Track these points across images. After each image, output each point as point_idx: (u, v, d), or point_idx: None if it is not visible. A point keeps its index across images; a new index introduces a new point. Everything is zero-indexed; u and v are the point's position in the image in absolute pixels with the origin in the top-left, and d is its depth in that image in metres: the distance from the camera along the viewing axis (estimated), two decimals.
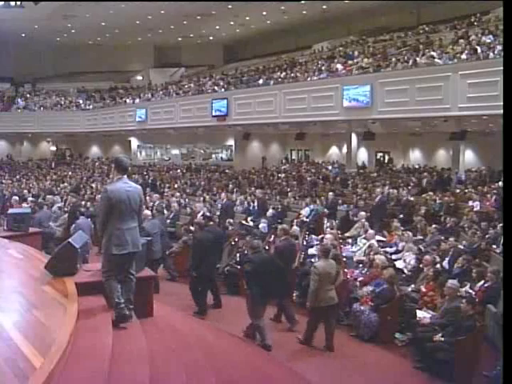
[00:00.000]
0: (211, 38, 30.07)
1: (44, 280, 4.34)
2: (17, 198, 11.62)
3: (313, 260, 8.69)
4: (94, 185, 19.80)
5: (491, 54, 12.35)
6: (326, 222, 10.88)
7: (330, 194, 13.94)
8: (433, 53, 14.31)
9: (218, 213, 13.11)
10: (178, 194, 16.01)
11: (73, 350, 2.93)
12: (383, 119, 14.94)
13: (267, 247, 9.43)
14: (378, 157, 24.94)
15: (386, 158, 25.20)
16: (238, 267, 8.36)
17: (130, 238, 3.98)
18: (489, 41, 13.30)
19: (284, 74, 19.19)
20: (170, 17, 25.28)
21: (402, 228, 10.11)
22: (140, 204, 4.11)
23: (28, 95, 29.88)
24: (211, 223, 9.05)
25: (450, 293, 5.80)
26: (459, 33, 15.65)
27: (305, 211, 12.99)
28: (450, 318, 5.49)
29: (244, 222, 12.34)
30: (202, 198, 15.16)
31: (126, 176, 4.12)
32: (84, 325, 3.40)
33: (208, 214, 11.91)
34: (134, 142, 28.59)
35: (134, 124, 24.28)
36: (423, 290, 6.79)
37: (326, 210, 12.52)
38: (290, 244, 7.55)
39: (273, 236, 10.46)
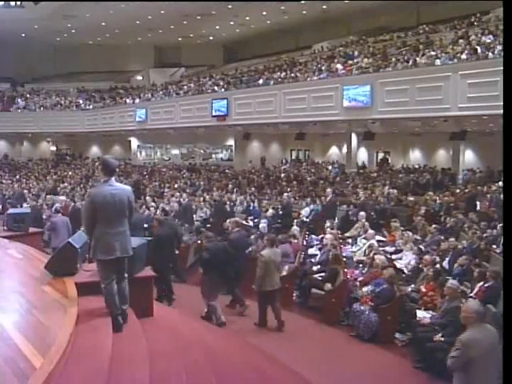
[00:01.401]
0: (211, 38, 30.07)
1: (44, 280, 4.34)
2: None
3: (313, 260, 8.72)
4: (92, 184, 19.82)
5: (491, 54, 12.35)
6: (327, 223, 10.87)
7: (329, 190, 14.11)
8: (433, 52, 14.32)
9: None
10: (177, 193, 16.02)
11: (73, 350, 2.93)
12: (383, 119, 14.95)
13: None
14: (380, 158, 24.93)
15: (385, 156, 25.19)
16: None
17: (119, 243, 3.81)
18: (489, 41, 13.30)
19: (284, 74, 19.18)
20: (169, 17, 25.28)
21: (402, 228, 10.12)
22: (130, 206, 3.93)
23: (28, 95, 29.87)
24: (168, 218, 9.51)
25: (450, 293, 5.80)
26: (459, 33, 15.64)
27: (305, 211, 13.01)
28: (449, 318, 5.48)
29: (244, 222, 12.33)
30: (201, 198, 15.17)
31: (113, 178, 3.93)
32: (84, 325, 3.40)
33: (167, 208, 12.13)
34: (134, 142, 28.59)
35: (133, 124, 24.29)
36: (423, 290, 6.79)
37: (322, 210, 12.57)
38: (242, 235, 8.01)
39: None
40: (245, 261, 7.52)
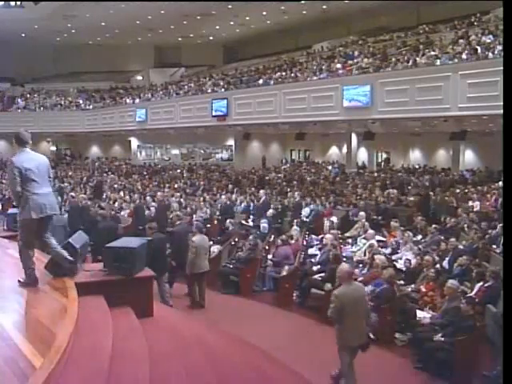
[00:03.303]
0: (211, 37, 30.07)
1: (44, 280, 4.34)
2: None
3: (313, 260, 8.72)
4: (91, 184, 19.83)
5: (491, 54, 12.35)
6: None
7: (261, 191, 14.42)
8: (433, 52, 14.32)
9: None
10: (177, 194, 16.02)
11: (73, 350, 2.93)
12: (383, 119, 14.95)
13: (267, 247, 9.47)
14: (381, 159, 24.96)
15: (384, 156, 25.22)
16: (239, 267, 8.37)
17: (48, 202, 4.16)
18: (489, 41, 13.30)
19: (284, 74, 19.18)
20: (170, 17, 25.29)
21: (402, 228, 10.12)
22: (49, 170, 4.36)
23: (28, 95, 29.88)
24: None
25: (450, 293, 5.81)
26: (459, 33, 15.64)
27: (305, 211, 13.00)
28: (450, 318, 5.49)
29: (244, 221, 12.34)
30: (201, 198, 15.18)
31: (27, 148, 4.37)
32: (84, 325, 3.40)
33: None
34: (134, 142, 28.60)
35: (134, 124, 24.29)
36: (423, 289, 6.79)
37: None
38: (184, 227, 8.58)
39: (273, 236, 10.49)
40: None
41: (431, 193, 13.72)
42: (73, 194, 15.08)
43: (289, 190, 16.47)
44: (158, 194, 15.27)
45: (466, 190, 14.41)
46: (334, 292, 4.73)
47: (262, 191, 14.95)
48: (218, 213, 13.12)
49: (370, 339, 4.86)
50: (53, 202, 4.25)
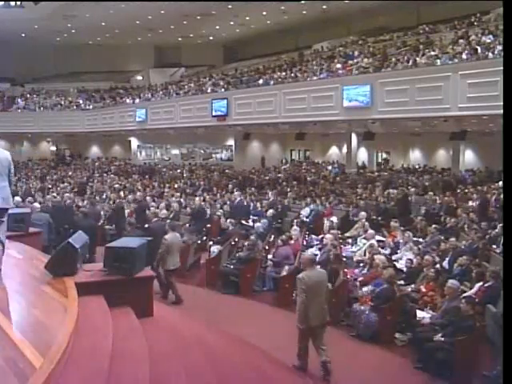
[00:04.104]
0: (211, 38, 30.08)
1: (44, 280, 4.33)
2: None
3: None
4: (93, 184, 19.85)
5: (491, 54, 12.35)
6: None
7: (236, 193, 14.45)
8: (433, 52, 14.32)
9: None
10: (177, 194, 16.03)
11: (73, 350, 2.92)
12: (383, 119, 14.95)
13: (267, 247, 9.47)
14: (381, 159, 24.95)
15: (385, 156, 25.22)
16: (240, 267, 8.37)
17: (1, 196, 4.26)
18: (489, 41, 13.30)
19: (284, 74, 19.18)
20: (170, 17, 25.29)
21: (402, 228, 10.12)
22: (9, 167, 4.49)
23: (28, 95, 29.88)
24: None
25: (450, 293, 5.81)
26: (459, 33, 15.64)
27: (305, 211, 13.01)
28: (450, 318, 5.49)
29: (244, 221, 12.34)
30: (201, 198, 15.18)
31: None
32: (84, 325, 3.40)
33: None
34: (134, 142, 28.60)
35: (134, 124, 24.29)
36: (423, 290, 6.79)
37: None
38: (160, 224, 8.89)
39: (273, 236, 10.49)
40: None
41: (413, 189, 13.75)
42: (54, 194, 15.33)
43: (289, 189, 16.48)
44: (138, 194, 15.30)
45: (466, 190, 14.42)
46: (298, 276, 5.25)
47: (236, 192, 14.82)
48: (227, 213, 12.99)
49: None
50: (7, 196, 4.36)
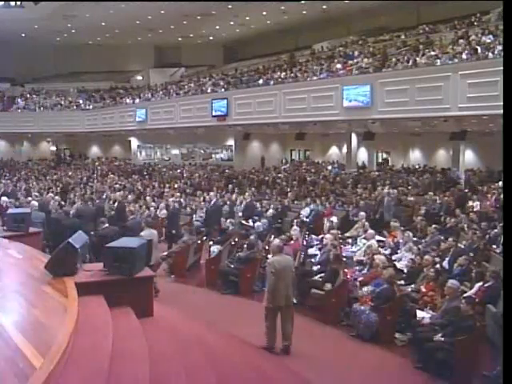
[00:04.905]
0: (211, 38, 30.07)
1: (44, 280, 4.34)
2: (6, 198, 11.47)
3: (313, 260, 8.72)
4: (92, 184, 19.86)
5: (491, 54, 12.35)
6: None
7: (211, 193, 14.42)
8: (433, 52, 14.32)
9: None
10: (177, 194, 16.03)
11: (73, 350, 2.93)
12: (383, 119, 14.94)
13: (267, 247, 9.46)
14: (381, 159, 24.92)
15: (385, 156, 25.20)
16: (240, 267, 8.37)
17: None
18: (489, 41, 13.29)
19: (284, 74, 19.18)
20: (170, 17, 25.28)
21: (402, 228, 10.12)
22: None
23: (28, 95, 29.88)
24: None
25: (450, 293, 5.80)
26: (459, 33, 15.63)
27: (305, 211, 13.01)
28: (450, 318, 5.48)
29: (244, 221, 12.34)
30: (201, 198, 15.18)
31: None
32: (84, 325, 3.40)
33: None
34: (134, 142, 28.59)
35: (134, 124, 24.29)
36: (423, 289, 6.79)
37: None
38: (136, 222, 9.15)
39: (273, 236, 10.48)
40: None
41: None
42: (36, 193, 15.46)
43: (289, 189, 16.48)
44: (117, 193, 15.29)
45: (466, 190, 14.40)
46: (267, 261, 6.07)
47: (211, 193, 14.76)
48: (240, 214, 12.96)
49: (293, 303, 6.04)
50: None
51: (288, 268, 5.81)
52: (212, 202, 13.63)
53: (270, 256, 6.51)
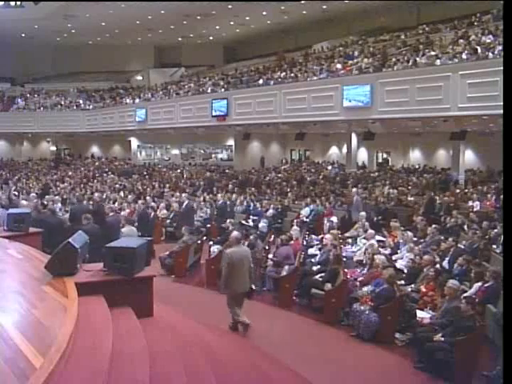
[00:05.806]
0: (211, 37, 30.09)
1: (44, 280, 4.33)
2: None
3: (313, 260, 8.72)
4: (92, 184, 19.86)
5: (491, 54, 12.35)
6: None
7: (177, 193, 14.38)
8: (433, 52, 14.31)
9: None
10: (177, 193, 16.02)
11: (73, 350, 2.92)
12: (383, 119, 14.94)
13: (267, 247, 9.47)
14: (381, 159, 24.94)
15: (385, 156, 25.21)
16: None
17: None
18: (489, 41, 13.29)
19: (284, 74, 19.18)
20: (169, 17, 25.30)
21: (402, 228, 10.12)
22: None
23: (28, 95, 29.88)
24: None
25: (450, 293, 5.80)
26: (459, 33, 15.64)
27: (305, 211, 13.01)
28: (450, 318, 5.49)
29: (244, 221, 12.35)
30: (202, 198, 15.17)
31: None
32: (84, 325, 3.40)
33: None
34: (134, 142, 28.60)
35: (133, 124, 24.29)
36: (423, 289, 6.79)
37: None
38: (116, 219, 9.10)
39: (273, 236, 10.49)
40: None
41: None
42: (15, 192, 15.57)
43: (289, 189, 16.47)
44: (95, 194, 14.99)
45: (466, 190, 14.42)
46: (225, 251, 6.52)
47: (184, 195, 14.45)
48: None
49: (252, 290, 6.49)
50: None
51: (245, 259, 6.17)
52: (184, 204, 12.98)
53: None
